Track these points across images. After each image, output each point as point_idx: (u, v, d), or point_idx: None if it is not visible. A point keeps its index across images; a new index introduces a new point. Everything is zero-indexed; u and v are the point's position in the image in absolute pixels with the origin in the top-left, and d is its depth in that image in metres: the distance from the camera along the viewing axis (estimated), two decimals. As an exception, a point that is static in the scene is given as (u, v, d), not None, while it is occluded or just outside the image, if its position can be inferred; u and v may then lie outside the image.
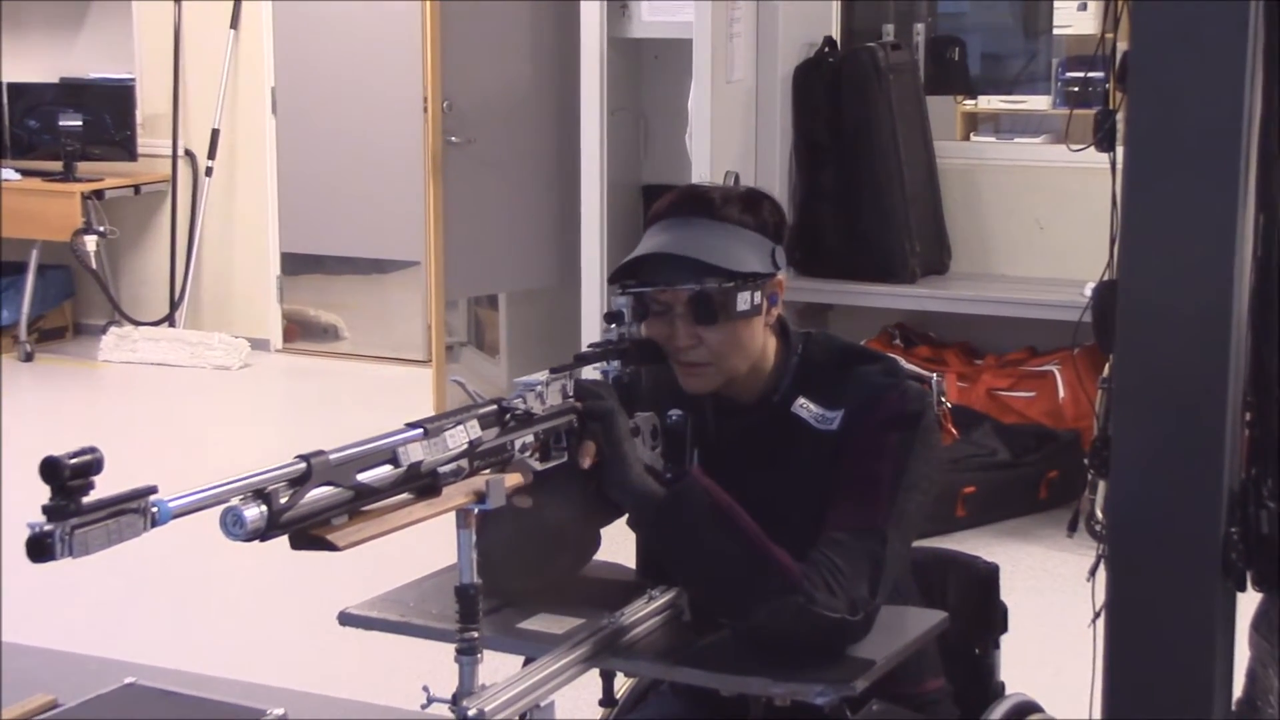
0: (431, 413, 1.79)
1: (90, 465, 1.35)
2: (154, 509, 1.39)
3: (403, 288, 7.65)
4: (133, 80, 7.78)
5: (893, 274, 5.73)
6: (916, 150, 5.85)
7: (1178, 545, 2.02)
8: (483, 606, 1.75)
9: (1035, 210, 5.93)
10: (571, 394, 1.92)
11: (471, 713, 1.72)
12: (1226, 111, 1.93)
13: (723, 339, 2.07)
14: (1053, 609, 4.31)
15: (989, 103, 6.55)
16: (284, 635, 4.22)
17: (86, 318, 8.11)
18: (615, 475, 1.94)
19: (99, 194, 7.60)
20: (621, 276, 2.09)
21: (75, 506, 1.34)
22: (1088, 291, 4.18)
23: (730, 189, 2.15)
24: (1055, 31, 6.35)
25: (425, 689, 1.76)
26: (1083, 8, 5.96)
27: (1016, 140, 6.24)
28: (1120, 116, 2.97)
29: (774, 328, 2.17)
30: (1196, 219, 1.96)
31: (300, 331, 7.90)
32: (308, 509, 1.52)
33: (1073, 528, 4.25)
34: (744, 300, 2.06)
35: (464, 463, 1.71)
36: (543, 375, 1.89)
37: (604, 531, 2.20)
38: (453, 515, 1.71)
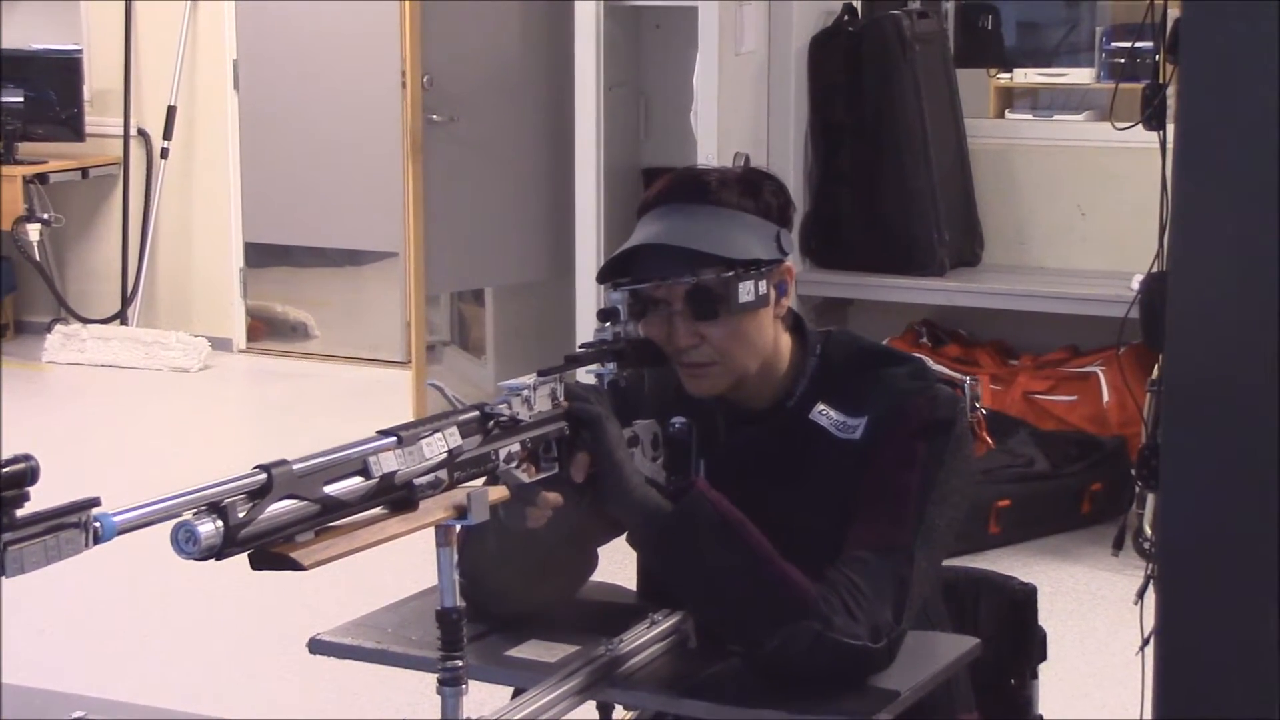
0: (411, 419, 1.78)
1: (24, 474, 1.34)
2: (96, 524, 1.38)
3: (379, 281, 7.64)
4: (80, 52, 7.77)
5: (919, 265, 5.73)
6: (945, 129, 5.85)
7: (1235, 564, 2.01)
8: (467, 632, 1.74)
9: (1076, 195, 5.93)
10: (562, 398, 1.92)
11: (454, 750, 1.71)
12: (1289, 84, 1.92)
13: (726, 335, 2.07)
14: (1096, 635, 4.31)
15: (1025, 76, 6.56)
16: (248, 664, 4.21)
17: (29, 314, 8.10)
18: (611, 488, 1.93)
19: (43, 178, 7.60)
20: (612, 273, 2.09)
21: (8, 520, 1.33)
22: (1135, 284, 4.19)
23: (728, 170, 2.15)
24: (1099, -3, 6.36)
25: (403, 724, 1.75)
26: (1129, -29, 5.97)
27: (1056, 117, 6.24)
28: (1171, 91, 2.97)
29: (786, 322, 2.16)
30: (1255, 204, 1.95)
31: (266, 330, 7.89)
32: (268, 524, 1.51)
33: (1118, 545, 4.28)
34: (747, 290, 2.06)
35: (443, 474, 1.70)
36: (530, 378, 1.88)
37: (601, 550, 2.20)
38: (432, 532, 1.70)
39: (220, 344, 7.68)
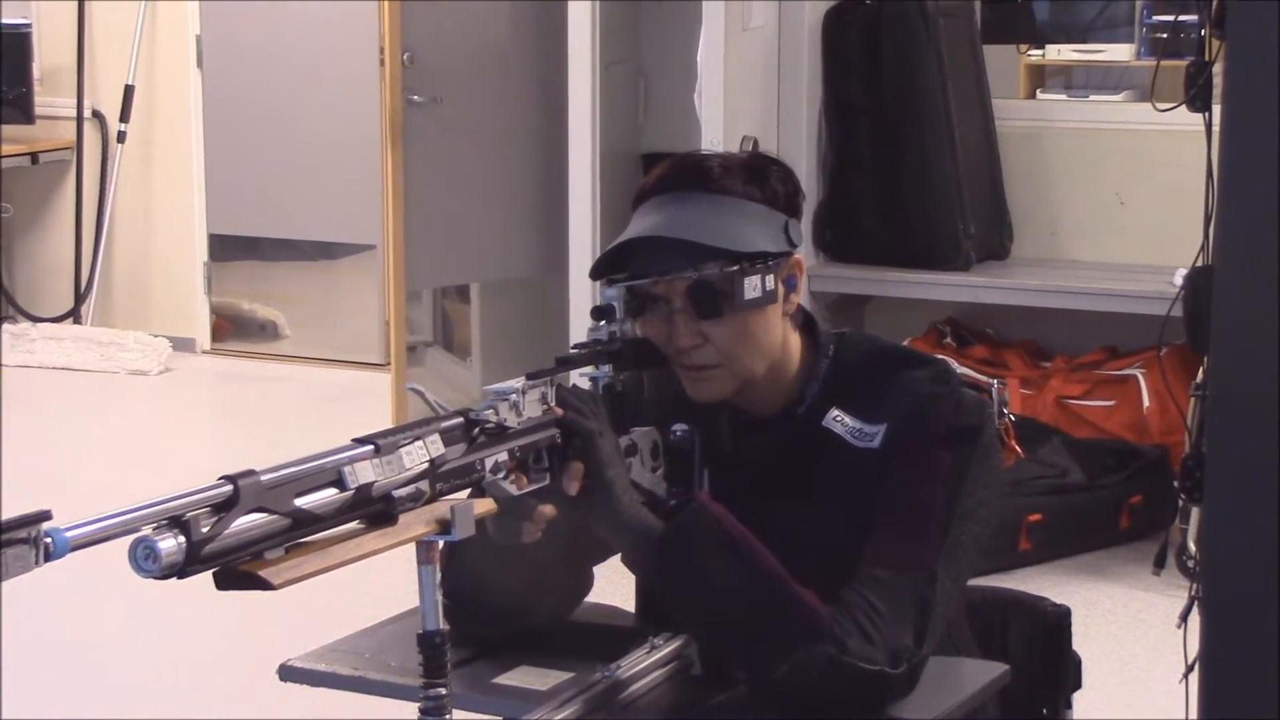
0: (390, 425, 1.78)
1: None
2: (48, 539, 1.38)
3: (355, 277, 7.65)
4: (28, 26, 7.77)
5: (942, 259, 5.73)
6: (971, 111, 5.85)
7: (1286, 584, 2.02)
8: (451, 658, 1.74)
9: (1114, 182, 5.94)
10: (553, 403, 1.92)
11: (436, 785, 1.71)
12: (1345, 62, 1.92)
13: (731, 334, 2.07)
14: (1136, 661, 4.31)
15: (1059, 53, 6.55)
16: (214, 693, 4.21)
17: (-25, 313, 8.12)
18: (600, 508, 1.93)
19: (-11, 164, 7.61)
20: (607, 267, 2.09)
21: (-51, 536, 1.33)
22: (1178, 280, 4.19)
23: (731, 156, 2.16)
24: (1140, -33, 6.35)
25: (381, 757, 1.76)
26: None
27: (1092, 98, 6.24)
28: (1217, 69, 2.97)
29: (796, 321, 2.16)
30: (1308, 191, 1.95)
31: (232, 329, 7.90)
32: (235, 540, 1.51)
33: (1160, 563, 4.28)
34: (752, 286, 2.06)
35: (424, 485, 1.70)
36: (518, 382, 1.88)
37: (597, 569, 2.20)
38: (412, 548, 1.71)
39: (182, 344, 7.68)
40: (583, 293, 5.57)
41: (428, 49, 6.03)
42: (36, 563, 1.38)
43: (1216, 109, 2.43)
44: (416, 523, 1.69)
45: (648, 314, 2.08)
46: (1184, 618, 3.05)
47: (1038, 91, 6.51)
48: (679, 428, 2.08)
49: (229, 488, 1.52)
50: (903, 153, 5.77)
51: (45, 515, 1.39)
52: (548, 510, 1.89)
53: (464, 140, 6.17)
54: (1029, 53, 6.63)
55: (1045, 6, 6.86)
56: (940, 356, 2.22)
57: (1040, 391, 5.64)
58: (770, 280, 2.08)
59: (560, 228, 5.89)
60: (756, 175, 2.12)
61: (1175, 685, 3.05)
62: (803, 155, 5.72)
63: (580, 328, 5.43)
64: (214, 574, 1.53)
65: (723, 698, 1.99)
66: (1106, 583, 4.87)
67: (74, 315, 7.81)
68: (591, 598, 2.24)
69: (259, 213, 7.72)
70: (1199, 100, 3.20)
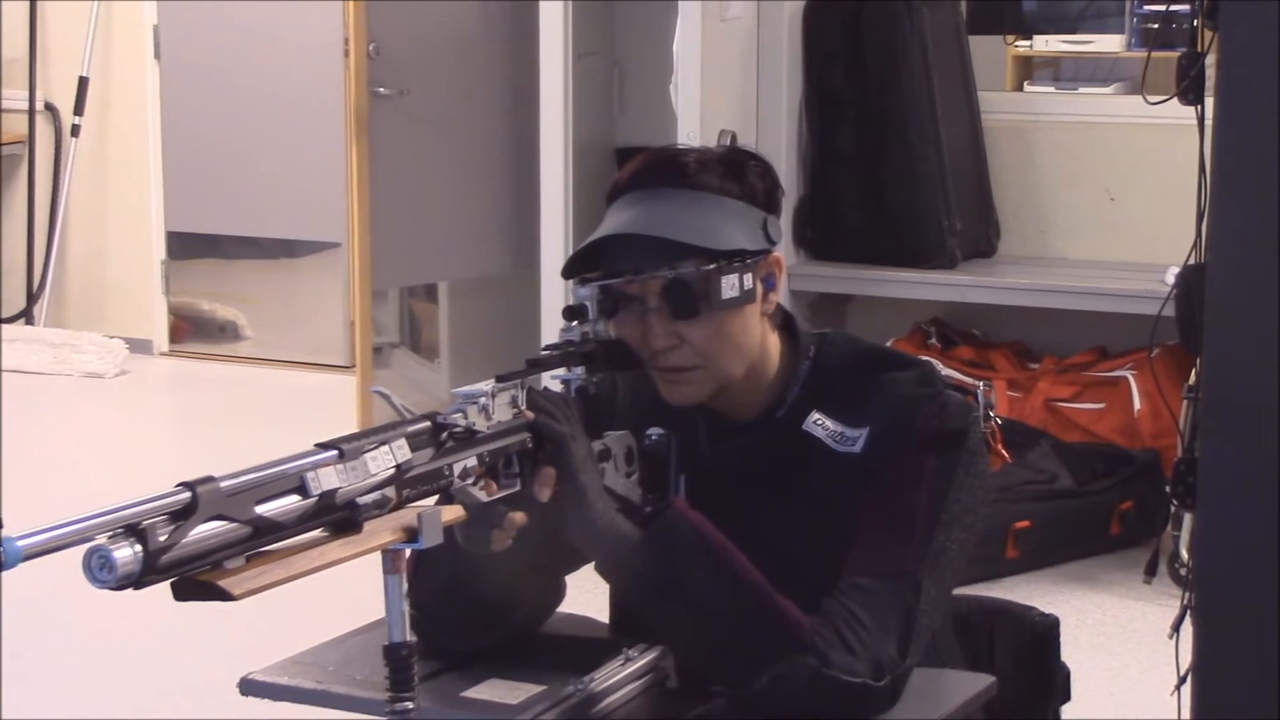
0: (355, 429, 1.78)
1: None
2: (-2, 549, 1.38)
3: (319, 275, 7.63)
4: (-20, 17, 7.76)
5: (927, 257, 5.74)
6: (957, 104, 5.86)
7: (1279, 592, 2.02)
8: (419, 671, 1.74)
9: (1104, 178, 5.95)
10: (524, 407, 1.92)
11: (403, 803, 1.71)
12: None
13: (708, 335, 2.07)
14: (1127, 672, 4.32)
15: (1047, 44, 6.57)
16: (172, 708, 4.20)
17: (-77, 313, 8.09)
18: (572, 514, 1.94)
19: (-62, 159, 7.58)
20: (580, 266, 2.09)
21: (-104, 546, 1.33)
22: (1170, 278, 4.21)
23: (708, 151, 2.16)
24: (1130, -45, 6.37)
25: (345, 774, 1.75)
26: (1164, -74, 5.98)
27: (1081, 90, 6.25)
28: (1210, 60, 2.98)
29: (774, 321, 2.17)
30: (1304, 187, 1.96)
31: (191, 330, 7.88)
32: (193, 549, 1.51)
33: (1151, 571, 4.29)
34: (730, 285, 2.06)
35: (390, 492, 1.70)
36: (488, 384, 1.88)
37: (570, 578, 2.20)
38: (378, 558, 1.70)
39: (139, 346, 7.66)
40: (554, 292, 5.57)
41: (394, 39, 6.02)
42: (-14, 573, 1.38)
43: (1209, 101, 2.44)
44: (382, 531, 1.69)
45: (622, 314, 2.08)
46: (1176, 627, 3.06)
47: (1025, 84, 6.53)
48: (654, 432, 2.09)
49: (187, 495, 1.51)
50: (886, 147, 5.78)
51: (-5, 524, 1.39)
52: (518, 517, 1.89)
53: (432, 134, 6.16)
54: (1016, 43, 6.64)
55: (1033, -4, 6.88)
56: (925, 358, 2.22)
57: (1028, 394, 5.65)
58: (748, 279, 2.08)
59: (531, 225, 5.89)
60: (734, 170, 2.12)
61: (1167, 697, 3.05)
62: (782, 150, 5.73)
63: (552, 328, 5.43)
64: (172, 584, 1.53)
65: (700, 711, 1.99)
66: (1096, 591, 4.88)
67: (26, 316, 7.78)
68: (564, 608, 2.24)
69: (218, 209, 7.70)
70: (1191, 93, 3.21)
